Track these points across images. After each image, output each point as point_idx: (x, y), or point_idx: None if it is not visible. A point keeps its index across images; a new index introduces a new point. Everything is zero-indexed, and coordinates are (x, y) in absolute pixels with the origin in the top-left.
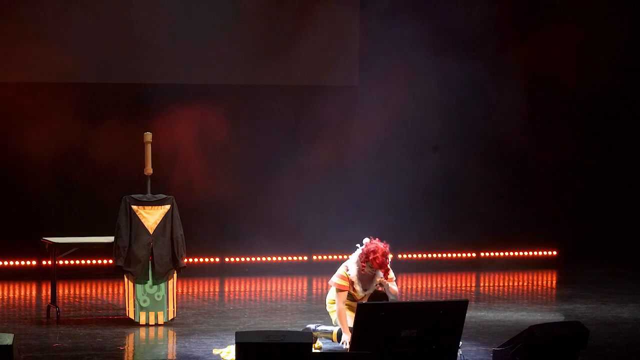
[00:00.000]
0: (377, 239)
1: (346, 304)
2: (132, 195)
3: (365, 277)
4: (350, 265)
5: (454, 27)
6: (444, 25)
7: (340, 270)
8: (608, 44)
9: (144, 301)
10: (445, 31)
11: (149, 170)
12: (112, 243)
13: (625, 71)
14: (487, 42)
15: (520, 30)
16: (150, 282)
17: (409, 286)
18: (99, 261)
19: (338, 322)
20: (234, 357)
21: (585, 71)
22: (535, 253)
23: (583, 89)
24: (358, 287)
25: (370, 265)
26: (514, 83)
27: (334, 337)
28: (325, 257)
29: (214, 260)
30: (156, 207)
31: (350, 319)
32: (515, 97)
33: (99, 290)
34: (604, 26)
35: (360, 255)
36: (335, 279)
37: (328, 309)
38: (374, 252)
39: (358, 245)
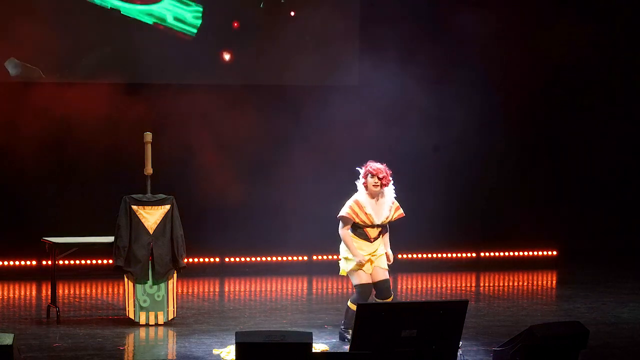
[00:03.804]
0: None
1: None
2: (132, 195)
3: (374, 198)
4: (354, 195)
5: (453, 28)
6: (443, 26)
7: (346, 203)
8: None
9: (144, 301)
10: (445, 32)
11: (149, 170)
12: (112, 243)
13: (624, 69)
14: (488, 43)
15: (530, 35)
16: (150, 282)
17: (409, 286)
18: (99, 261)
19: (346, 252)
20: (234, 357)
21: (583, 70)
22: (535, 253)
23: (582, 89)
24: (370, 210)
25: (372, 178)
26: (511, 83)
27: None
28: (325, 257)
29: (214, 260)
30: (156, 207)
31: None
32: (514, 98)
33: (99, 290)
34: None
35: (363, 175)
36: (342, 210)
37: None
38: (372, 165)
39: (358, 168)
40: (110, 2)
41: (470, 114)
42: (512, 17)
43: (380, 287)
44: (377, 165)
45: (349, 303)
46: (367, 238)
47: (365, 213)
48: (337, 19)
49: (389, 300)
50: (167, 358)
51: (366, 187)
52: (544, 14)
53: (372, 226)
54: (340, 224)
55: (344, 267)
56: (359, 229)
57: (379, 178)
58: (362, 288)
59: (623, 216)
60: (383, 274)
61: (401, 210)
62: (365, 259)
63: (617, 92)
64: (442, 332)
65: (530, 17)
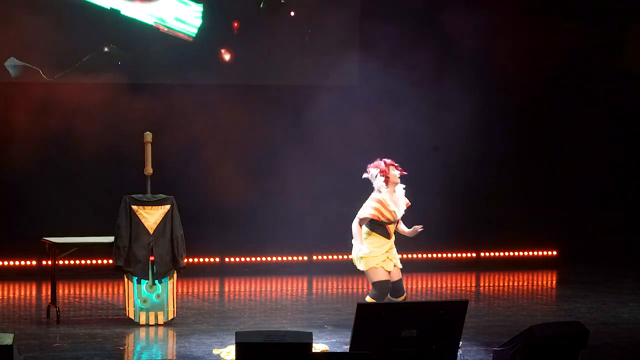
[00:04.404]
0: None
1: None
2: (132, 195)
3: (392, 192)
4: (375, 195)
5: (453, 29)
6: (442, 27)
7: (368, 204)
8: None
9: (144, 301)
10: (445, 32)
11: (149, 170)
12: (112, 243)
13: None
14: (488, 43)
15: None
16: (150, 282)
17: (409, 286)
18: (99, 261)
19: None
20: (234, 357)
21: (583, 70)
22: (535, 253)
23: (582, 89)
24: (394, 207)
25: (396, 170)
26: (511, 83)
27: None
28: (325, 257)
29: (214, 260)
30: (156, 207)
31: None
32: (514, 98)
33: (99, 290)
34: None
35: (381, 172)
36: (366, 211)
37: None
38: (386, 160)
39: (367, 176)
40: (110, 2)
41: (470, 114)
42: (513, 17)
43: (395, 286)
44: (385, 159)
45: (367, 299)
46: (387, 235)
47: (389, 211)
48: (336, 19)
49: (402, 298)
50: (167, 358)
51: (389, 181)
52: (545, 13)
53: (393, 222)
54: (358, 220)
55: (364, 264)
56: (380, 227)
57: (399, 170)
58: (382, 284)
59: (623, 216)
60: (398, 273)
61: (407, 199)
62: (368, 252)
63: (617, 92)
64: (442, 332)
65: (531, 16)
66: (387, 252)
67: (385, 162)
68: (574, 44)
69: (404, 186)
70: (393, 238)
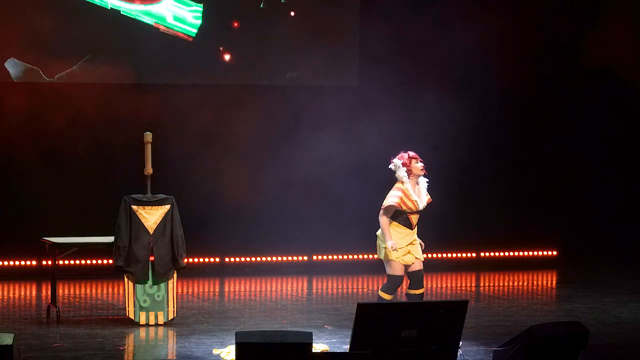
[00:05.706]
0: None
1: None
2: (132, 195)
3: (414, 184)
4: (398, 185)
5: (452, 28)
6: (442, 26)
7: (391, 193)
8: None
9: (144, 301)
10: (444, 31)
11: (149, 170)
12: (112, 243)
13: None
14: (487, 42)
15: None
16: (150, 282)
17: None
18: (99, 261)
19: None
20: (234, 357)
21: (583, 69)
22: (535, 253)
23: (581, 88)
24: (415, 197)
25: (419, 163)
26: (511, 82)
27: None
28: (325, 257)
29: (214, 260)
30: (156, 207)
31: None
32: (513, 97)
33: (99, 290)
34: None
35: (404, 164)
36: (390, 200)
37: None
38: (410, 153)
39: (391, 167)
40: (110, 2)
41: (469, 113)
42: (513, 16)
43: (415, 277)
44: (409, 152)
45: (380, 292)
46: (410, 225)
47: (412, 200)
48: (336, 19)
49: (422, 291)
50: (167, 358)
51: (411, 172)
52: (544, 13)
53: (416, 212)
54: (383, 212)
55: (384, 254)
56: (402, 216)
57: (422, 162)
58: (395, 279)
59: (623, 216)
60: (419, 265)
61: (429, 196)
62: (397, 246)
63: (617, 92)
64: (442, 332)
65: (531, 16)
66: (410, 244)
67: (408, 155)
68: (574, 43)
69: (427, 180)
70: (416, 229)
